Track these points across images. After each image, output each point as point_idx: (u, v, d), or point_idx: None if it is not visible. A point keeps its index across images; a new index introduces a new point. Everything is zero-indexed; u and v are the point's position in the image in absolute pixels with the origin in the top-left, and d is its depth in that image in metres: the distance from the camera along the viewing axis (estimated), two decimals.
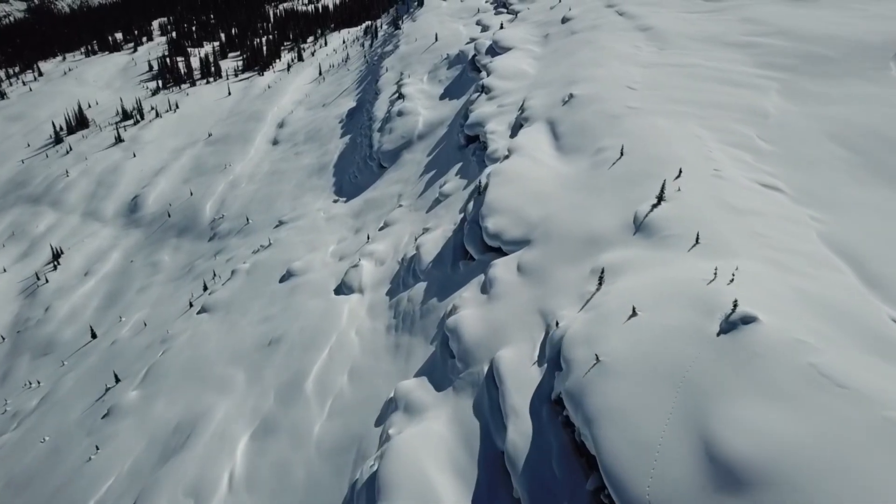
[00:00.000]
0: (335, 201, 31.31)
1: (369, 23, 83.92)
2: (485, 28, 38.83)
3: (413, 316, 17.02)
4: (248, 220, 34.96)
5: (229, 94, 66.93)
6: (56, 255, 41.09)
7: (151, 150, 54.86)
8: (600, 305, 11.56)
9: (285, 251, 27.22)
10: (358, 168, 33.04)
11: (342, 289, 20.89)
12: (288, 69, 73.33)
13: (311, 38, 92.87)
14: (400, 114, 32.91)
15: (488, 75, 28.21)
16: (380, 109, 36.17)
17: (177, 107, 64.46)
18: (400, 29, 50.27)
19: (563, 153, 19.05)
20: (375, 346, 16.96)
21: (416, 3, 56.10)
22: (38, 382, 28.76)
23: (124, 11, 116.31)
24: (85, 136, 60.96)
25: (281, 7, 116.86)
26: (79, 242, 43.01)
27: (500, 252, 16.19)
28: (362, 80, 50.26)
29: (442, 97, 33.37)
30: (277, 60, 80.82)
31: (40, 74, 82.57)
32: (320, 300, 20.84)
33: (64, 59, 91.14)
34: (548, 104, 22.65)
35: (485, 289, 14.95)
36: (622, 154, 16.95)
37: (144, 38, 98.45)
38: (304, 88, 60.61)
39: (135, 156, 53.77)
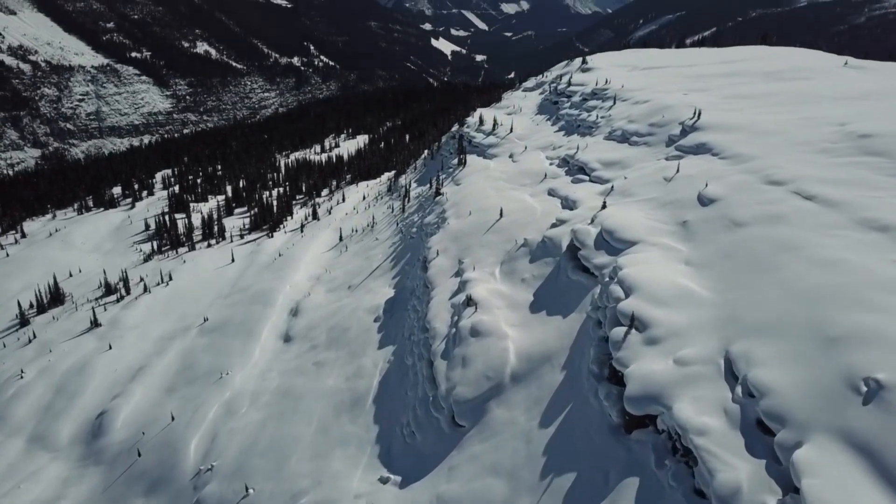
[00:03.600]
0: (383, 481, 20.16)
1: (391, 175, 77.18)
2: (568, 203, 29.70)
3: None
4: (247, 488, 23.55)
5: (233, 260, 57.79)
6: None
7: (132, 339, 44.49)
8: None
9: None
10: (415, 418, 22.19)
11: None
12: (301, 229, 64.92)
13: (325, 192, 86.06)
14: (475, 333, 22.60)
15: (627, 295, 18.22)
16: (438, 317, 25.96)
17: (170, 278, 55.00)
18: (442, 195, 41.62)
19: None
20: None
21: (455, 161, 48.21)
22: None
23: (128, 163, 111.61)
24: (56, 318, 50.88)
25: (293, 157, 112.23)
26: (13, 489, 31.25)
27: None
28: (398, 256, 40.90)
29: (534, 309, 23.22)
30: (289, 218, 72.94)
31: (23, 236, 74.31)
32: None
33: (54, 216, 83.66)
34: (812, 387, 12.23)
35: None
36: None
37: (145, 193, 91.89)
38: (323, 258, 51.37)
39: (110, 347, 43.29)
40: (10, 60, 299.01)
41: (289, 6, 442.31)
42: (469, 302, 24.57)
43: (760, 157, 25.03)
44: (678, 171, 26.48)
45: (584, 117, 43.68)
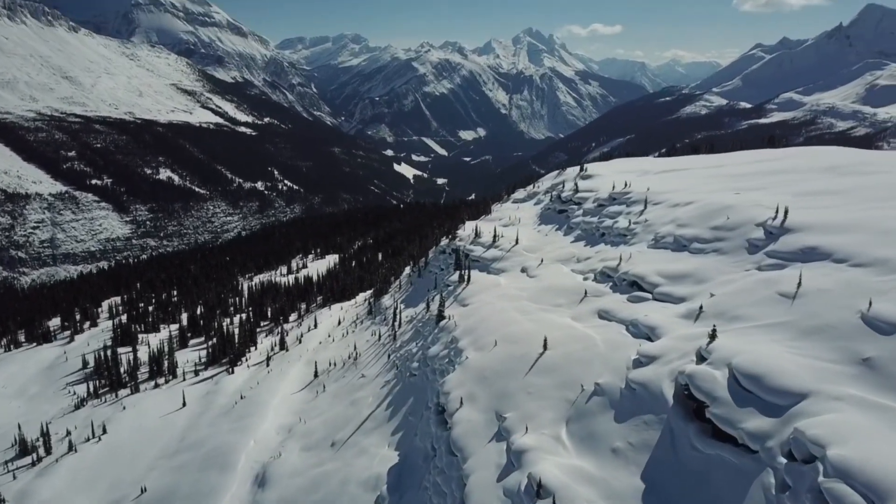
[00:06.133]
0: None
1: (368, 296, 69.32)
2: (641, 330, 22.13)
3: None
4: None
5: (184, 404, 47.75)
6: None
7: None
8: None
9: None
10: None
11: None
12: (267, 363, 55.51)
13: (294, 317, 77.23)
14: None
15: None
16: None
17: (104, 430, 44.58)
18: (446, 318, 33.75)
19: None
20: None
21: (454, 278, 40.68)
22: None
23: (72, 291, 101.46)
24: None
25: (257, 279, 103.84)
26: None
27: None
28: (395, 400, 32.19)
29: None
30: (253, 348, 63.54)
31: None
32: None
33: None
34: None
35: None
36: None
37: (87, 324, 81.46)
38: (295, 401, 41.99)
39: None
40: None
41: (253, 133, 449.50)
42: (539, 491, 16.10)
43: None
44: (800, 284, 19.39)
45: (609, 224, 37.32)
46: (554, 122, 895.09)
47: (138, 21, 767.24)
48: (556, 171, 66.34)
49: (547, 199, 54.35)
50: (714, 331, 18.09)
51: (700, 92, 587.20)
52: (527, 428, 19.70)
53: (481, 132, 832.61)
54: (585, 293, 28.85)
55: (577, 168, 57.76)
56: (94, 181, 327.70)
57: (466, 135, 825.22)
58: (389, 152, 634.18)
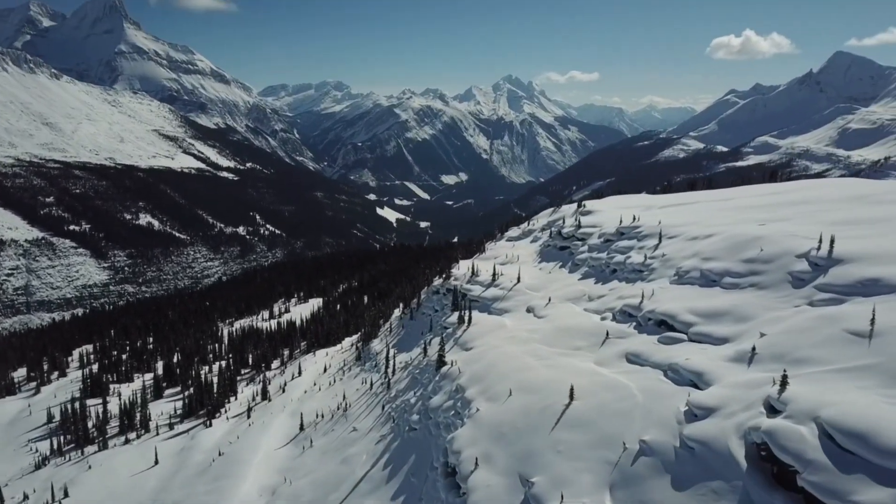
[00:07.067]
0: None
1: (355, 340, 65.76)
2: (683, 376, 19.25)
3: None
4: None
5: (156, 462, 43.58)
6: None
7: None
8: None
9: None
10: None
11: None
12: (248, 414, 51.48)
13: (276, 363, 73.21)
14: None
15: None
16: None
17: (65, 494, 40.27)
18: (448, 364, 30.63)
19: None
20: None
21: (452, 320, 37.61)
22: None
23: (42, 339, 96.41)
24: None
25: (237, 325, 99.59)
26: None
27: None
28: (394, 458, 28.66)
29: None
30: (233, 398, 59.41)
31: None
32: None
33: None
34: None
35: None
36: None
37: (56, 374, 76.66)
38: (279, 457, 38.13)
39: None
40: None
41: (235, 179, 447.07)
42: None
43: None
44: (874, 322, 16.71)
45: (620, 259, 34.77)
46: (534, 167, 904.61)
47: (121, 69, 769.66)
48: (551, 209, 64.22)
49: (545, 235, 51.94)
50: (785, 377, 15.26)
51: (677, 136, 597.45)
52: (562, 496, 16.55)
53: (463, 176, 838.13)
54: (607, 334, 25.99)
55: (574, 205, 55.66)
56: (71, 227, 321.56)
57: (448, 179, 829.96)
58: (372, 196, 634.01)
